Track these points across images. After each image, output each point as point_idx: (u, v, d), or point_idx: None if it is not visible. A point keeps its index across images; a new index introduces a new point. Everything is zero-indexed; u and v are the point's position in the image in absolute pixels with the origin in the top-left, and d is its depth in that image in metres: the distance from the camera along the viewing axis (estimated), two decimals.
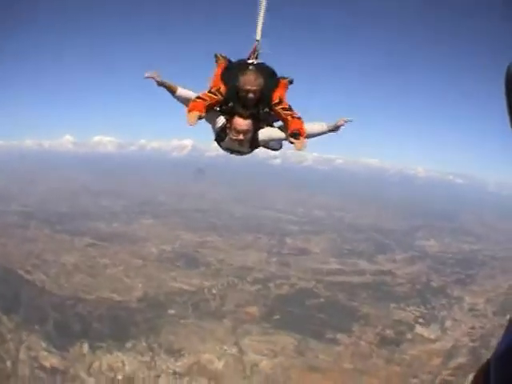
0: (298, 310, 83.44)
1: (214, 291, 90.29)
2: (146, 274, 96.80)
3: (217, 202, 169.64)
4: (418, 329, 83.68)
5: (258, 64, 8.70)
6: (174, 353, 73.43)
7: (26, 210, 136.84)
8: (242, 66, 8.56)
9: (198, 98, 8.24)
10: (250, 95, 8.12)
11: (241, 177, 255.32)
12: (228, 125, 8.34)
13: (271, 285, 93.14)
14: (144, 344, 75.11)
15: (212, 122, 8.58)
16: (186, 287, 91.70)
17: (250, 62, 8.74)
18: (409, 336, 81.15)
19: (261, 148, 9.02)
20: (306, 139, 8.26)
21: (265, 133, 8.56)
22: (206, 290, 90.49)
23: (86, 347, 73.15)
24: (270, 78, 8.49)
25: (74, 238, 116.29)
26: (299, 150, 8.05)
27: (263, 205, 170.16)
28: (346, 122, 8.66)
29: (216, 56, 9.20)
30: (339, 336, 78.17)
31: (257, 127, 8.38)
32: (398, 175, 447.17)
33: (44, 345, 72.52)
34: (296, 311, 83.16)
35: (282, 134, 8.52)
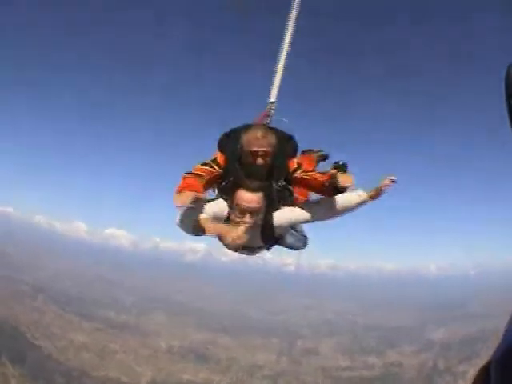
0: None
1: None
2: (155, 364, 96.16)
3: (230, 305, 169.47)
4: None
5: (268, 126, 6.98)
6: None
7: (36, 284, 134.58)
8: (246, 126, 6.63)
9: (188, 173, 6.23)
10: (259, 161, 6.14)
11: (255, 282, 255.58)
12: (230, 204, 6.28)
13: (280, 381, 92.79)
14: None
15: None
16: (195, 379, 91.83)
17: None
18: None
19: (275, 250, 6.85)
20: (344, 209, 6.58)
21: (282, 216, 6.50)
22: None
23: None
24: (286, 143, 6.62)
25: (83, 320, 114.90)
26: (346, 183, 6.05)
27: (276, 309, 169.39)
28: (390, 183, 6.58)
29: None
30: None
31: (270, 208, 6.33)
32: (410, 275, 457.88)
33: None
34: None
35: (306, 215, 6.51)
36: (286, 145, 6.53)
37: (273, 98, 7.40)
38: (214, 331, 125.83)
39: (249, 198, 5.93)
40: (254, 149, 6.05)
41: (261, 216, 6.11)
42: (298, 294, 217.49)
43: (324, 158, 7.59)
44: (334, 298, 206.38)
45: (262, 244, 6.67)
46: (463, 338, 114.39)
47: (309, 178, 6.34)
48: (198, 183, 6.02)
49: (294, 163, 6.43)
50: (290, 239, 7.00)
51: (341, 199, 6.44)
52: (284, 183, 6.43)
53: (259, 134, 6.10)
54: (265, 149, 6.06)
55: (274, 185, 6.32)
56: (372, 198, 6.59)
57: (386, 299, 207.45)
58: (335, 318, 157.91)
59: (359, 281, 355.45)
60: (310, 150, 7.52)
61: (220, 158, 6.39)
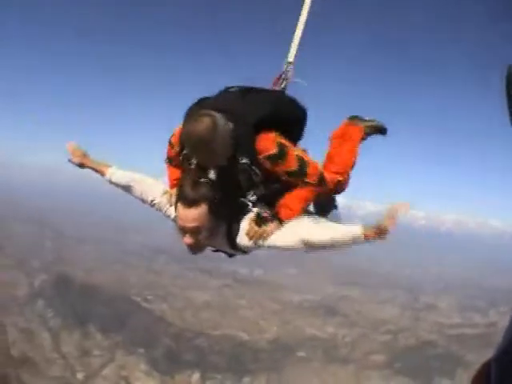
0: (418, 360, 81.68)
1: (346, 339, 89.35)
2: (282, 319, 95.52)
3: (364, 258, 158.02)
4: None
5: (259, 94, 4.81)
6: None
7: (154, 244, 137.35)
8: (193, 107, 4.61)
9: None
10: (199, 155, 4.31)
11: (391, 234, 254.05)
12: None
13: (400, 336, 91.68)
14: (263, 382, 73.73)
15: None
16: (320, 334, 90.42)
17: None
18: None
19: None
20: (313, 247, 4.34)
21: (243, 236, 4.50)
22: (339, 338, 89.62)
23: (196, 376, 71.60)
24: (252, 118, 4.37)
25: (208, 277, 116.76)
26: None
27: (404, 263, 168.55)
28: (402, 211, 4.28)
29: None
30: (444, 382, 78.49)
31: (228, 217, 4.47)
32: None
33: (145, 367, 72.27)
34: (416, 360, 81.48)
35: (276, 239, 4.40)
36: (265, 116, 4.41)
37: (291, 58, 5.87)
38: (345, 284, 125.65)
39: (183, 213, 4.17)
40: (186, 140, 4.24)
41: (206, 234, 4.28)
42: (425, 248, 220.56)
43: (378, 130, 5.46)
44: (453, 255, 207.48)
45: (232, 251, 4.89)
46: None
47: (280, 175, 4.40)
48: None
49: (266, 143, 4.31)
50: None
51: (325, 230, 4.36)
52: (246, 161, 4.31)
53: (196, 121, 4.09)
54: (197, 143, 4.12)
55: (237, 166, 4.32)
56: (369, 238, 4.22)
57: (496, 258, 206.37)
58: (452, 275, 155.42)
59: (475, 237, 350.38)
60: (356, 118, 5.40)
61: (177, 133, 4.61)
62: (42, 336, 76.52)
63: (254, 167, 4.31)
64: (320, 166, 4.66)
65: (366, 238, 4.20)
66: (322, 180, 4.46)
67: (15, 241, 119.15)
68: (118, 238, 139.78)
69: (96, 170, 5.29)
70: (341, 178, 4.89)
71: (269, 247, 4.48)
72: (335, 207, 5.49)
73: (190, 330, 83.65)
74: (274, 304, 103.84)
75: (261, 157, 4.26)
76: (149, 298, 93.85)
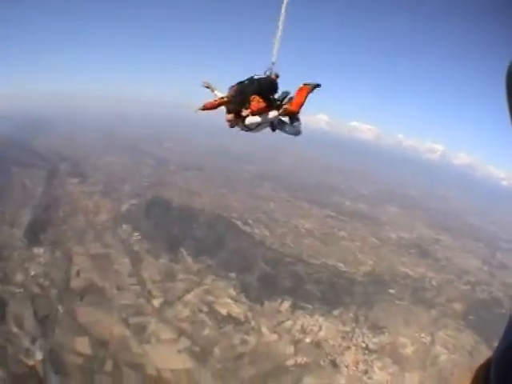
0: (486, 315, 79.42)
1: (433, 283, 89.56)
2: (379, 254, 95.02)
3: (457, 208, 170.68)
4: None
5: (251, 79, 10.16)
6: (376, 329, 69.86)
7: (262, 172, 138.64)
8: (241, 81, 10.15)
9: (216, 99, 10.27)
10: (234, 100, 9.87)
11: (479, 191, 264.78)
12: None
13: (478, 288, 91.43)
14: (351, 315, 71.75)
15: None
16: (411, 273, 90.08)
17: (256, 77, 10.18)
18: None
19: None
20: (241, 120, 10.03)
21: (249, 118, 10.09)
22: (427, 280, 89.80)
23: (286, 305, 69.40)
24: (252, 87, 10.00)
25: (314, 206, 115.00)
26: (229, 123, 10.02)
27: (491, 219, 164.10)
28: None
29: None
30: None
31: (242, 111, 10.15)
32: None
33: (233, 293, 70.27)
34: (484, 316, 79.39)
35: (255, 119, 10.13)
36: (249, 90, 10.03)
37: (273, 59, 10.24)
38: (440, 229, 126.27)
39: (226, 116, 9.98)
40: (231, 98, 9.93)
41: (234, 122, 9.97)
42: (508, 208, 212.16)
43: (314, 87, 10.46)
44: None
45: (245, 128, 10.32)
46: None
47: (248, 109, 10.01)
48: (212, 104, 10.15)
49: (252, 99, 9.92)
50: (285, 129, 10.68)
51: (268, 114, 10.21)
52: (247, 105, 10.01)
53: (231, 92, 9.97)
54: (233, 97, 9.94)
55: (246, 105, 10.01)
56: (281, 115, 10.43)
57: None
58: None
59: None
60: (305, 84, 10.46)
61: (229, 94, 10.25)
62: (119, 261, 75.31)
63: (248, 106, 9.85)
64: (259, 105, 9.88)
65: (280, 115, 10.21)
66: (260, 110, 9.86)
67: (103, 171, 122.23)
68: (224, 165, 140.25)
69: (212, 90, 10.46)
70: (294, 110, 10.27)
71: (250, 124, 10.01)
72: (298, 118, 10.63)
73: (289, 255, 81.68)
74: (373, 238, 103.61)
75: (248, 101, 9.81)
76: (250, 221, 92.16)
